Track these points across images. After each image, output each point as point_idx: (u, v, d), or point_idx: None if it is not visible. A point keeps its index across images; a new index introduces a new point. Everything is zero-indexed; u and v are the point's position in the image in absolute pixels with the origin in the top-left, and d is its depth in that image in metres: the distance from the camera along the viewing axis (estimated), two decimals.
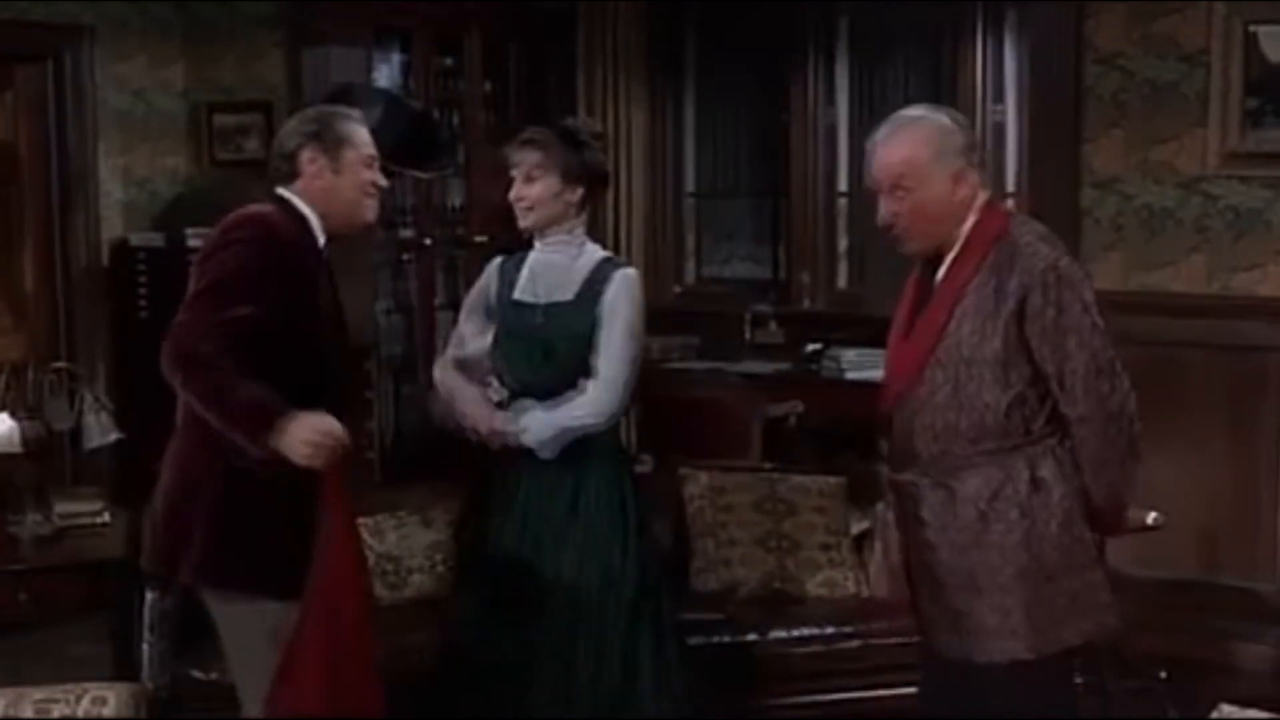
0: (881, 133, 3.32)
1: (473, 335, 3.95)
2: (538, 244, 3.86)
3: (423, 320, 6.67)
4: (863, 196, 6.74)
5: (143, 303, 6.21)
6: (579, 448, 3.78)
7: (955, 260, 3.27)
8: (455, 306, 6.78)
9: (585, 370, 3.78)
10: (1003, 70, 6.31)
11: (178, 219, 6.40)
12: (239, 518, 3.36)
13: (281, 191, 3.50)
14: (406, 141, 4.33)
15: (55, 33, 6.29)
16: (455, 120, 6.80)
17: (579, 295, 3.77)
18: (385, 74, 6.68)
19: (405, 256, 6.69)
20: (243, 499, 3.35)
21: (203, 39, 6.70)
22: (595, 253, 3.85)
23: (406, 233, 6.61)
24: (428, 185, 6.64)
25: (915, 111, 3.37)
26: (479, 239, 6.79)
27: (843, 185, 6.84)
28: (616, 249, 6.34)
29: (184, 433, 3.43)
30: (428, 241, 6.64)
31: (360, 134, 3.55)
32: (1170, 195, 5.59)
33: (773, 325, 6.69)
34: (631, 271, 3.84)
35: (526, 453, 3.79)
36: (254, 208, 3.48)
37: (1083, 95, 5.72)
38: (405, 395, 6.63)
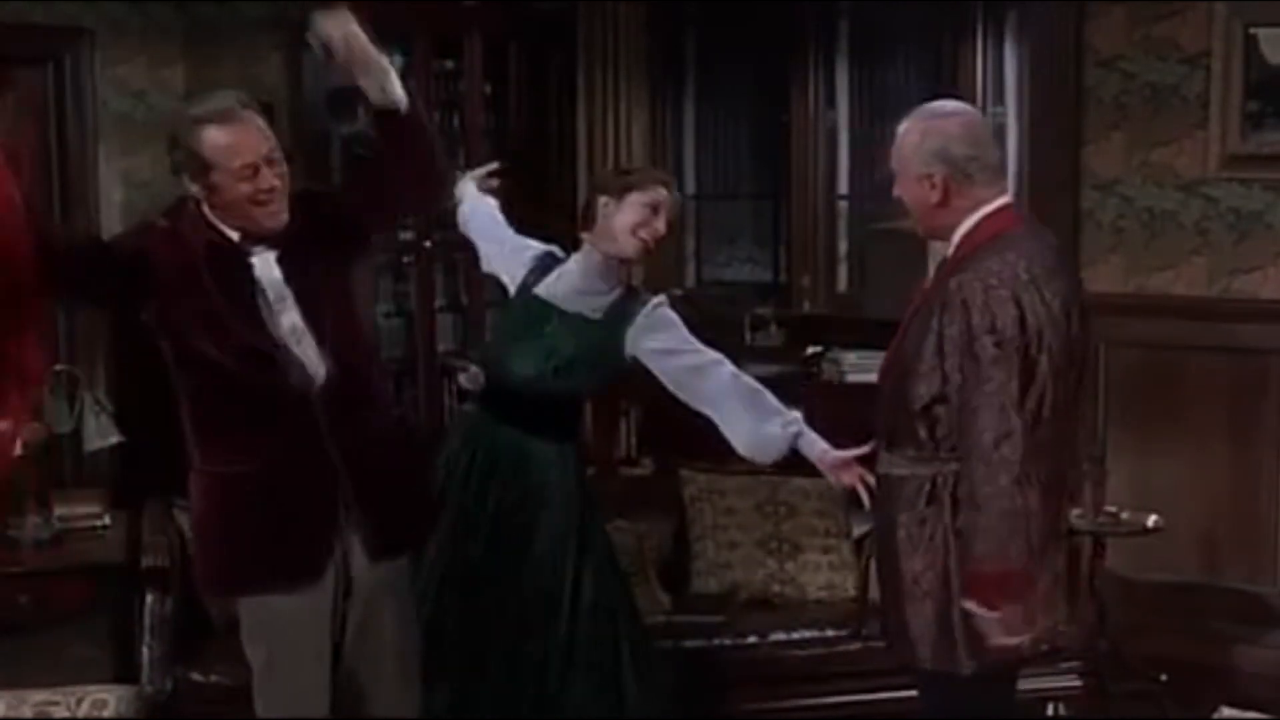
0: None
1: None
2: (584, 256, 3.95)
3: (422, 323, 6.66)
4: (863, 199, 6.79)
5: None
6: (530, 463, 3.84)
7: (944, 262, 3.28)
8: (455, 309, 6.81)
9: (577, 394, 3.94)
10: (1003, 72, 6.29)
11: None
12: (212, 523, 3.36)
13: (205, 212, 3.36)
14: None
15: (55, 35, 6.28)
16: (455, 122, 6.79)
17: (608, 315, 3.90)
18: None
19: (405, 259, 6.68)
20: (213, 504, 3.34)
21: (203, 41, 6.69)
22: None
23: (406, 235, 6.59)
24: None
25: (936, 106, 3.38)
26: None
27: (843, 188, 6.83)
28: None
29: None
30: (428, 244, 6.63)
31: (220, 143, 3.27)
32: (1171, 198, 5.59)
33: (773, 328, 6.67)
34: (662, 298, 4.06)
35: (480, 468, 3.84)
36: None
37: (1083, 97, 5.71)
38: (405, 399, 6.61)
